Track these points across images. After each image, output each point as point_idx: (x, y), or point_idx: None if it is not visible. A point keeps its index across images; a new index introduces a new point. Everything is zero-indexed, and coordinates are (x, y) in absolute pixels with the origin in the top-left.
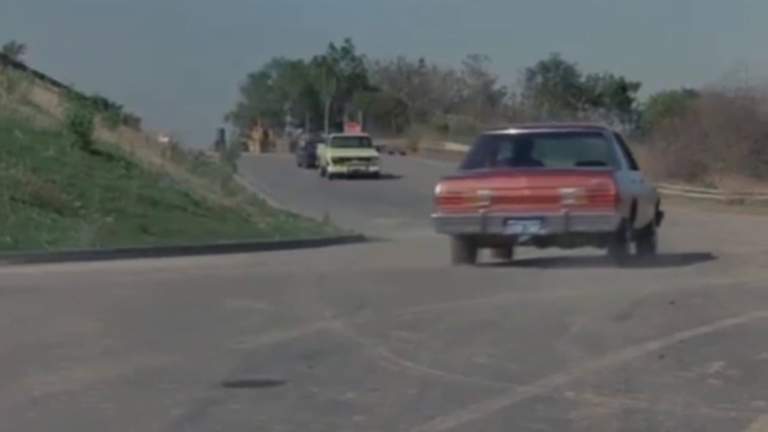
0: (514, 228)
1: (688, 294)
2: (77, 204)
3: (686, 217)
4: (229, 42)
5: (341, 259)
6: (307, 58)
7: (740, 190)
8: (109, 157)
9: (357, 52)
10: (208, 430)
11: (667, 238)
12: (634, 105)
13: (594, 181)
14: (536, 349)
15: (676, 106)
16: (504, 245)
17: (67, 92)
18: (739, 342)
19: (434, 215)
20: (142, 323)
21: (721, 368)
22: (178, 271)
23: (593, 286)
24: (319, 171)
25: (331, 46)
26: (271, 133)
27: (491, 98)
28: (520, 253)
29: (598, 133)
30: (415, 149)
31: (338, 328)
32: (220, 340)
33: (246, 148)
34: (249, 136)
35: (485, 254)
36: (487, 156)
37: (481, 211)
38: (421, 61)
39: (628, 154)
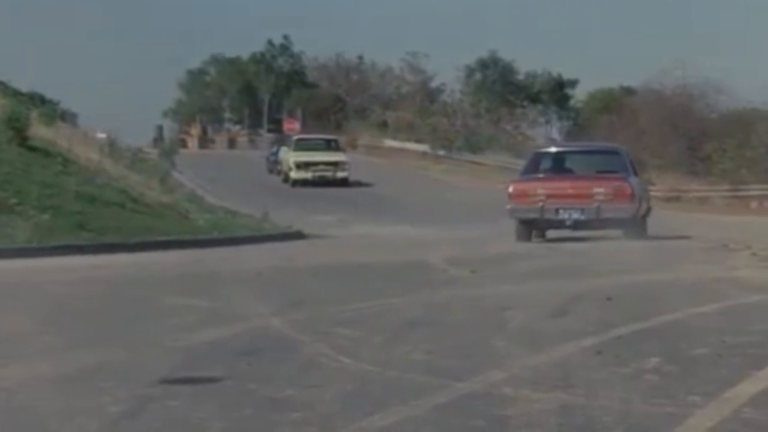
0: (563, 215)
1: (625, 290)
2: (14, 201)
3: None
4: (167, 38)
5: (280, 255)
6: (245, 55)
7: (677, 187)
8: (46, 154)
9: (295, 49)
10: (147, 428)
11: (603, 235)
12: (572, 102)
13: (616, 183)
14: (474, 346)
15: (614, 103)
16: (554, 228)
17: (4, 88)
18: (676, 338)
19: (508, 206)
20: (80, 320)
21: (658, 364)
22: (116, 268)
23: (531, 283)
24: (281, 177)
25: (270, 43)
26: (209, 129)
27: (430, 95)
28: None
29: (615, 151)
30: (354, 146)
31: (277, 325)
32: (159, 338)
33: (184, 145)
34: (187, 133)
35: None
36: (538, 166)
37: (540, 203)
38: (360, 57)
39: (633, 165)
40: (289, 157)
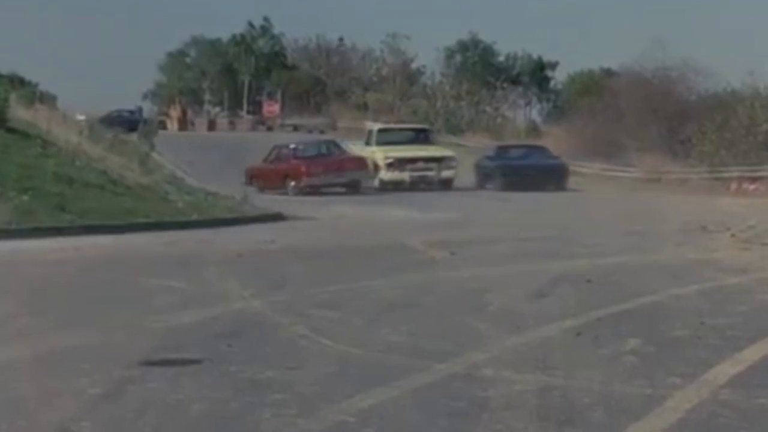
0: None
1: (604, 272)
2: None
3: (604, 196)
4: (147, 20)
5: (260, 237)
6: (225, 37)
7: (657, 169)
8: (26, 135)
9: (275, 31)
10: (125, 409)
11: (583, 215)
12: (552, 84)
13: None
14: (454, 327)
15: (594, 85)
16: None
17: None
18: (655, 319)
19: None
20: (59, 302)
21: (637, 345)
22: (96, 250)
23: (510, 265)
24: None
25: (250, 24)
26: (189, 111)
27: (410, 77)
28: None
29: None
30: (334, 128)
31: (257, 306)
32: (139, 319)
33: (164, 127)
34: (167, 115)
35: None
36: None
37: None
38: (341, 39)
39: None
40: (375, 153)
